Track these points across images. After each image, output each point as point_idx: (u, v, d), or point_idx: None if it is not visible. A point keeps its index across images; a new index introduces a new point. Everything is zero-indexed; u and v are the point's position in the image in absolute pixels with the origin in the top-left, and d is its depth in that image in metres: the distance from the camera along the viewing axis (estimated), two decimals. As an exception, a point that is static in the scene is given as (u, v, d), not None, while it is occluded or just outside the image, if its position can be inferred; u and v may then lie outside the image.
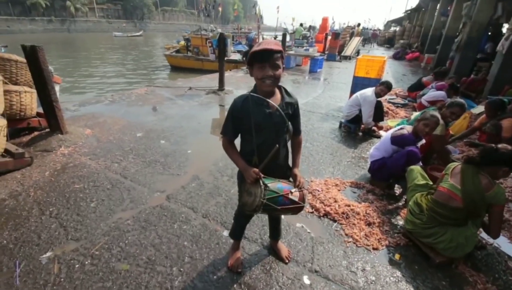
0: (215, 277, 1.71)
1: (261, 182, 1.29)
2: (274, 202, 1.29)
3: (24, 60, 3.17)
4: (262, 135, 1.35)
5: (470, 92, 6.30)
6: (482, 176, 1.79)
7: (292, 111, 1.40)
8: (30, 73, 3.14)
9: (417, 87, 6.30)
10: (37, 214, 2.13)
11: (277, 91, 1.38)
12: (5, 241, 1.87)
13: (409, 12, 25.30)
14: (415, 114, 3.63)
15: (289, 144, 1.56)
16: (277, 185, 1.33)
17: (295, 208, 1.38)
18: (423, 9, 19.17)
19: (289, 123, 1.41)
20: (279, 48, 1.23)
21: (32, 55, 2.97)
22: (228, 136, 1.42)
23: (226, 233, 2.04)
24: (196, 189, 2.59)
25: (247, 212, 1.38)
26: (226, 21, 74.31)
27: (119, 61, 17.15)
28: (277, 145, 1.28)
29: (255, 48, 1.23)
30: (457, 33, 10.09)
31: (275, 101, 1.34)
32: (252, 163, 1.39)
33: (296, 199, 1.35)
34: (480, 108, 5.03)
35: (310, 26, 21.44)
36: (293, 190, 1.36)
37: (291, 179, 1.48)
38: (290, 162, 1.56)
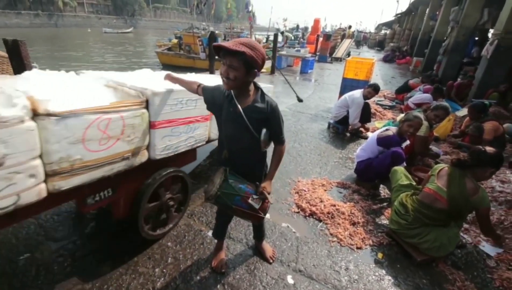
0: (198, 277, 1.70)
1: (223, 174, 1.31)
2: (229, 199, 1.29)
3: (5, 54, 3.06)
4: (227, 129, 1.39)
5: (457, 100, 6.42)
6: (468, 180, 1.84)
7: (262, 117, 1.30)
8: (12, 68, 3.04)
9: (404, 90, 6.44)
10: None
11: (253, 92, 1.32)
12: (-20, 242, 1.81)
13: (399, 15, 25.76)
14: (401, 116, 3.69)
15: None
16: (240, 185, 1.32)
17: (253, 215, 1.32)
18: (413, 13, 19.55)
19: (262, 130, 1.33)
20: (242, 49, 1.12)
21: (14, 49, 2.88)
22: (202, 90, 1.50)
23: (211, 233, 2.01)
24: (182, 188, 2.56)
25: (205, 200, 1.37)
26: (219, 20, 73.95)
27: (108, 58, 16.83)
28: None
29: (217, 43, 1.20)
30: (445, 37, 10.33)
31: (246, 101, 1.30)
32: (222, 156, 1.45)
33: (256, 206, 1.29)
34: (464, 111, 5.16)
35: (297, 25, 21.59)
36: (255, 196, 1.31)
37: (258, 184, 1.41)
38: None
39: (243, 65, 1.17)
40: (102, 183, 1.49)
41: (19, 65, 2.93)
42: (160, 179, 1.76)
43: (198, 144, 2.07)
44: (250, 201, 1.29)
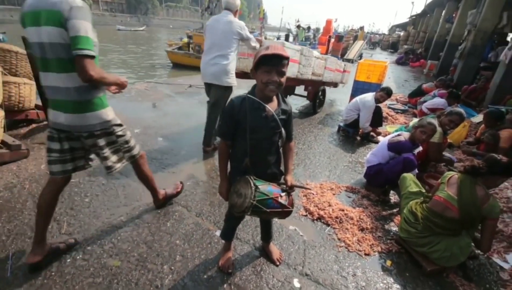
0: (205, 276, 1.72)
1: (251, 183, 1.29)
2: (264, 205, 1.29)
3: (24, 51, 3.17)
4: (256, 137, 1.36)
5: (470, 101, 6.31)
6: (479, 187, 1.80)
7: (286, 117, 1.41)
8: (30, 65, 3.13)
9: (417, 94, 6.33)
10: (31, 207, 2.13)
11: (274, 96, 1.39)
12: (-3, 233, 1.87)
13: (414, 17, 25.31)
14: (414, 120, 3.63)
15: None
16: (267, 188, 1.33)
17: (284, 212, 1.38)
18: (428, 15, 19.16)
19: (283, 129, 1.41)
20: (288, 54, 1.23)
21: (33, 47, 2.96)
22: (226, 139, 1.43)
23: (218, 233, 2.04)
24: (191, 187, 2.59)
25: (236, 214, 1.38)
26: (231, 20, 74.05)
27: (121, 55, 17.12)
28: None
29: (265, 51, 1.20)
30: (461, 41, 10.08)
31: (272, 106, 1.35)
32: (243, 164, 1.40)
33: (285, 203, 1.35)
34: (480, 117, 5.03)
35: (309, 26, 21.46)
36: (282, 194, 1.36)
37: (281, 182, 1.48)
38: (282, 168, 1.56)
39: (286, 69, 1.27)
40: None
41: (37, 62, 3.02)
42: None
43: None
44: (280, 200, 1.34)
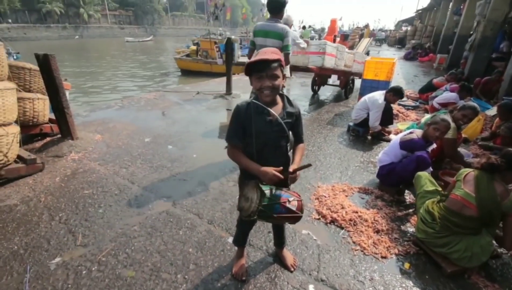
0: (219, 284, 1.70)
1: (258, 187, 1.28)
2: (270, 209, 1.27)
3: (37, 68, 3.27)
4: (262, 141, 1.36)
5: (482, 96, 6.11)
6: (497, 183, 1.73)
7: (293, 120, 1.40)
8: (43, 81, 3.23)
9: (428, 89, 6.18)
10: (47, 220, 2.18)
11: (279, 99, 1.39)
12: (16, 247, 1.92)
13: (420, 11, 24.89)
14: (426, 117, 3.54)
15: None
16: (275, 193, 1.32)
17: (292, 217, 1.35)
18: (435, 8, 18.81)
19: (290, 132, 1.39)
20: (276, 57, 1.22)
21: (45, 63, 3.06)
22: (234, 142, 1.42)
23: (231, 239, 2.02)
24: (202, 194, 2.60)
25: (243, 218, 1.37)
26: (235, 25, 74.78)
27: (130, 66, 17.51)
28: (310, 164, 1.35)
29: (252, 58, 1.23)
30: (471, 32, 9.83)
31: (277, 109, 1.35)
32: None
33: (294, 209, 1.32)
34: (495, 110, 4.86)
35: (309, 26, 21.71)
36: (291, 199, 1.34)
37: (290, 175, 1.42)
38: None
39: (280, 72, 1.26)
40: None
41: (49, 77, 3.12)
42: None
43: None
44: (288, 205, 1.31)
